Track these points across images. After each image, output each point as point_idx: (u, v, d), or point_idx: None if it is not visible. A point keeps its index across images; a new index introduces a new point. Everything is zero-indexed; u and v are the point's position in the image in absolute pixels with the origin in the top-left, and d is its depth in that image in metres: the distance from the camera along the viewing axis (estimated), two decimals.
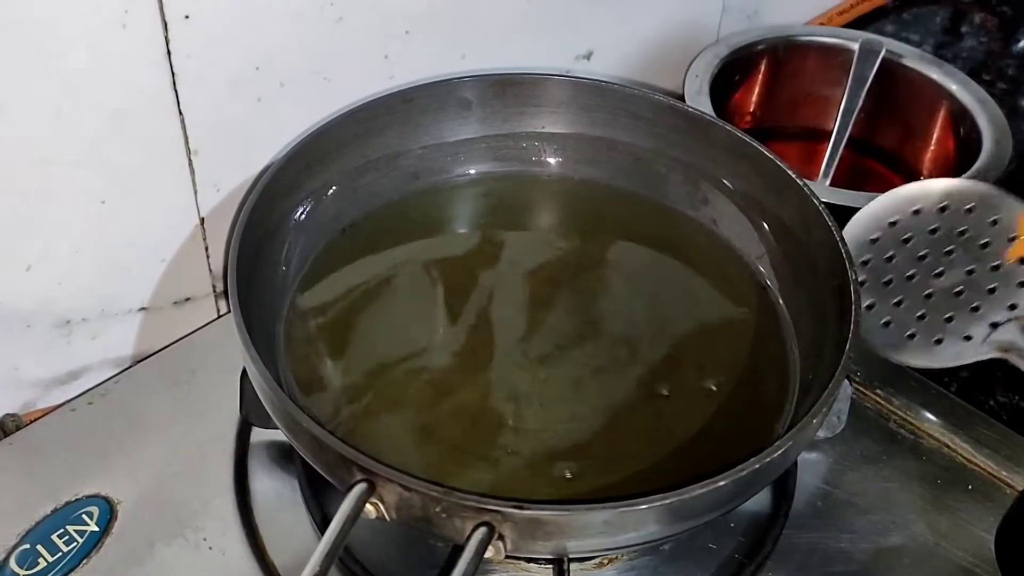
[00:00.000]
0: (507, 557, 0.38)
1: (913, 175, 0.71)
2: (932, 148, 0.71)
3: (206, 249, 0.56)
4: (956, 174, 0.63)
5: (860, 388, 0.54)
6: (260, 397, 0.42)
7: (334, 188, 0.54)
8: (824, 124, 0.71)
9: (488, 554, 0.37)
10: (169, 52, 0.47)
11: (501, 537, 0.37)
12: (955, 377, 0.60)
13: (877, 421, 0.53)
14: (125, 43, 0.46)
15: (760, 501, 0.48)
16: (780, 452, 0.38)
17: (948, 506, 0.49)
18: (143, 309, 0.55)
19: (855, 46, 0.70)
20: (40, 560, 0.45)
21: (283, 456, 0.50)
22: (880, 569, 0.47)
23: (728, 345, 0.50)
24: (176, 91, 0.49)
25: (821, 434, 0.49)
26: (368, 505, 0.38)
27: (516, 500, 0.36)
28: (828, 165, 0.66)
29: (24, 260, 0.49)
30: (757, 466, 0.38)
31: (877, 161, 0.73)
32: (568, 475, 0.44)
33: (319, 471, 0.40)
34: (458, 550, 0.37)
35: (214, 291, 0.57)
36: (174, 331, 0.56)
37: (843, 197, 0.58)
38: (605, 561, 0.47)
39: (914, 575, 0.47)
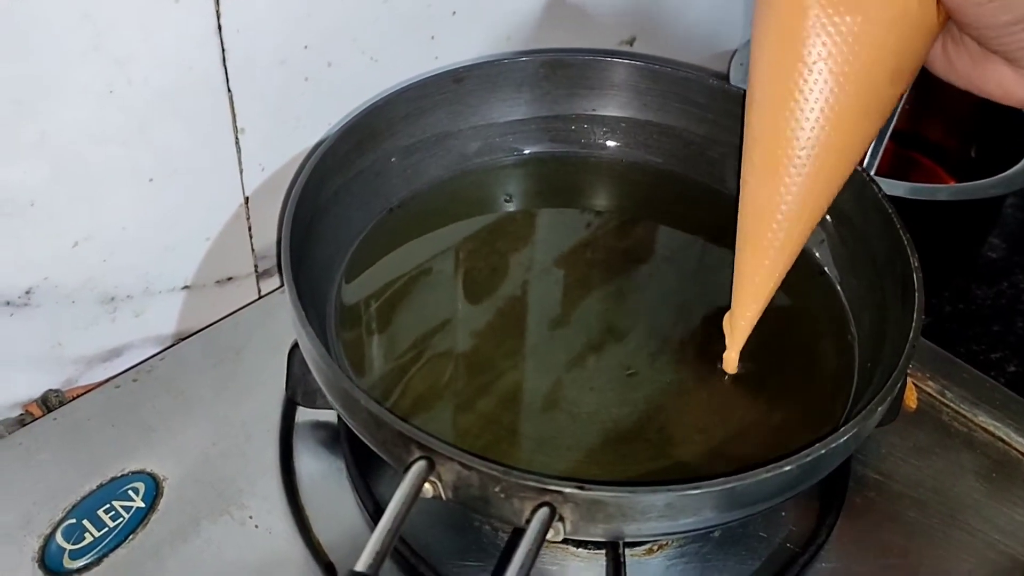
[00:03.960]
0: (563, 540, 0.38)
1: (959, 168, 0.71)
2: (978, 141, 0.70)
3: (249, 229, 0.55)
4: (1003, 168, 0.62)
5: (913, 380, 0.53)
6: (315, 374, 0.42)
7: (383, 167, 0.53)
8: None
9: (547, 535, 0.36)
10: (220, 27, 0.47)
11: (561, 519, 0.36)
12: (1002, 372, 0.59)
13: (930, 413, 0.52)
14: (176, 18, 0.45)
15: (813, 490, 0.47)
16: (846, 438, 0.38)
17: (1005, 500, 0.49)
18: (186, 287, 0.54)
19: None
20: (87, 535, 0.45)
21: (329, 435, 0.49)
22: (936, 563, 0.46)
23: (784, 331, 0.49)
24: (226, 68, 0.49)
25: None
26: (426, 484, 0.37)
27: (578, 480, 0.36)
28: (872, 156, 0.64)
29: (71, 236, 0.48)
30: (823, 451, 0.37)
31: (922, 154, 0.72)
32: (622, 459, 0.43)
33: (374, 450, 0.40)
34: (518, 532, 0.36)
35: (256, 271, 0.57)
36: (215, 310, 0.56)
37: (888, 187, 0.57)
38: (655, 547, 0.46)
39: (972, 571, 0.46)
